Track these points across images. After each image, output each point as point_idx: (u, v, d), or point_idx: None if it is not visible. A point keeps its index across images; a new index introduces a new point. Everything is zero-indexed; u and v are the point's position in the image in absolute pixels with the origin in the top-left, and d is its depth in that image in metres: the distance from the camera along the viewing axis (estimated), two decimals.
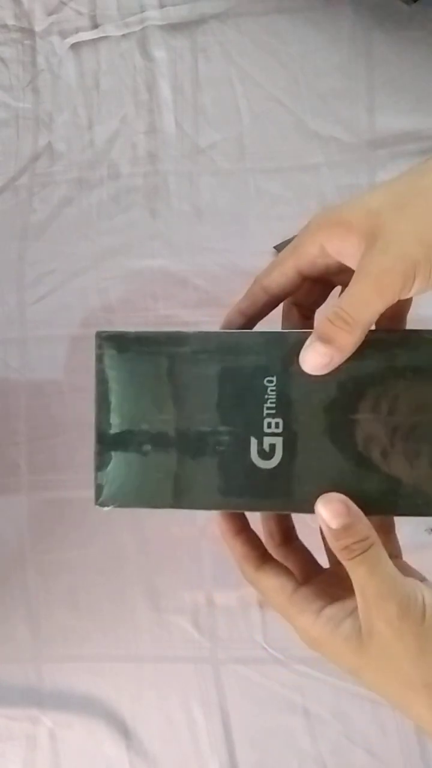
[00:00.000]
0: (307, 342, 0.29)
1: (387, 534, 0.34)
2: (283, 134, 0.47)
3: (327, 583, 0.32)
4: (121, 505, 0.30)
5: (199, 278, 0.47)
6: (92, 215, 0.48)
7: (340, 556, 0.29)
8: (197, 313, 0.47)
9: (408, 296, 0.29)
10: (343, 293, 0.29)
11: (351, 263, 0.30)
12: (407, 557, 0.34)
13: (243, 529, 0.32)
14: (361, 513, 0.29)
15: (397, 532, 0.35)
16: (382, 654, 0.29)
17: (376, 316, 0.29)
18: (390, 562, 0.29)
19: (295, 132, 0.46)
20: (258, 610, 0.47)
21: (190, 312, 0.47)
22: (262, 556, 0.32)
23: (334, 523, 0.29)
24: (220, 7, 0.47)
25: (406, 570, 0.32)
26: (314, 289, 0.35)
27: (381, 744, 0.45)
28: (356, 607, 0.29)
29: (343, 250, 0.30)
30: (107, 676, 0.47)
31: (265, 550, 0.32)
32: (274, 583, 0.31)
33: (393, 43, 0.46)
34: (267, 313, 0.34)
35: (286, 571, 0.32)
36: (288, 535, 0.33)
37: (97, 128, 0.48)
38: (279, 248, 0.46)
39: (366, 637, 0.29)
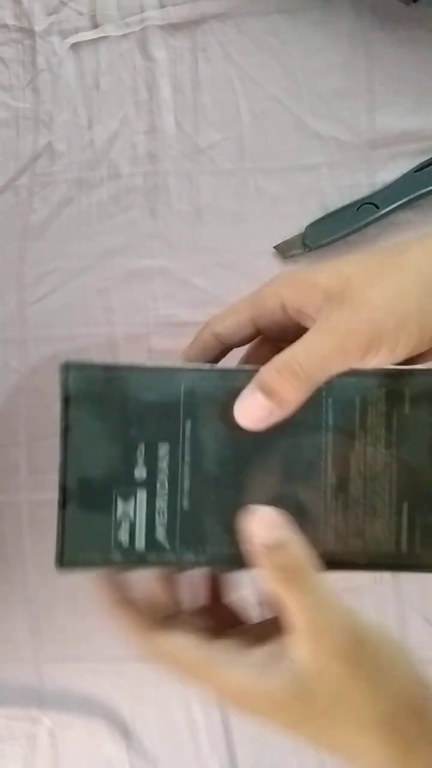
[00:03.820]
0: (246, 390, 0.27)
1: None
2: (283, 134, 0.47)
3: (246, 630, 0.28)
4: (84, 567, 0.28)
5: (199, 278, 0.47)
6: (92, 215, 0.48)
7: (274, 581, 0.25)
8: (197, 313, 0.47)
9: (363, 365, 0.27)
10: (297, 343, 0.27)
11: (309, 324, 0.28)
12: None
13: (131, 600, 0.29)
14: (296, 530, 0.26)
15: None
16: (332, 696, 0.25)
17: (326, 377, 0.26)
18: (330, 588, 0.25)
19: (295, 132, 0.46)
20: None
21: (190, 312, 0.47)
22: (160, 620, 0.28)
23: (268, 538, 0.25)
24: (220, 7, 0.47)
25: None
26: (263, 348, 0.32)
27: None
28: (291, 647, 0.25)
29: (305, 308, 0.28)
30: (107, 676, 0.47)
31: (160, 611, 0.29)
32: (181, 641, 0.27)
33: (393, 43, 0.45)
34: (217, 361, 0.32)
35: (193, 626, 0.28)
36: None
37: (97, 128, 0.48)
38: (279, 248, 0.46)
39: (310, 679, 0.25)
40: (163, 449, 0.28)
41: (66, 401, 0.28)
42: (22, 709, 0.48)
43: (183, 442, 0.28)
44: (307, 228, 0.45)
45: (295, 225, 0.46)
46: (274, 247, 0.46)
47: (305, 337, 0.27)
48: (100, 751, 0.47)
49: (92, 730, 0.47)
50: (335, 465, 0.28)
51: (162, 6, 0.48)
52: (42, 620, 0.48)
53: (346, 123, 0.46)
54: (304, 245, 0.45)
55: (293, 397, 0.26)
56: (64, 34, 0.48)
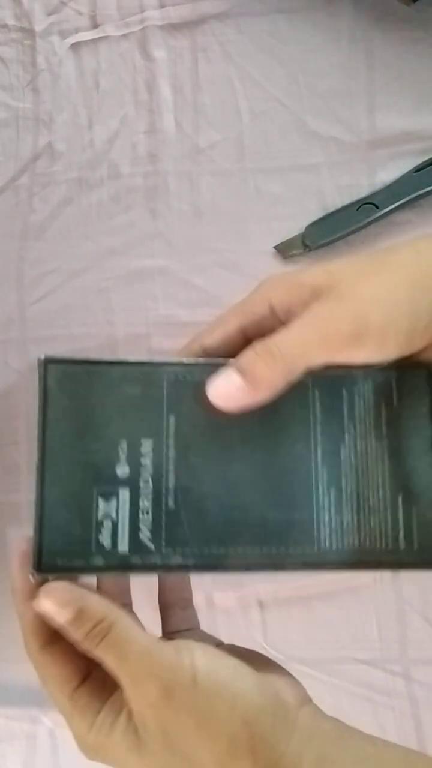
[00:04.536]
0: (222, 369, 0.26)
1: (184, 609, 0.31)
2: (283, 134, 0.47)
3: (101, 677, 0.26)
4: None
5: (199, 278, 0.47)
6: (92, 215, 0.48)
7: (84, 648, 0.25)
8: (197, 313, 0.47)
9: (350, 361, 0.26)
10: (279, 330, 0.26)
11: None
12: None
13: None
14: (88, 592, 0.25)
15: None
16: (162, 743, 0.24)
17: (306, 365, 0.26)
18: (144, 636, 0.25)
19: (295, 132, 0.46)
20: (258, 611, 0.47)
21: (190, 312, 0.47)
22: (52, 634, 0.26)
23: (63, 615, 0.24)
24: (220, 7, 0.47)
25: (202, 639, 0.28)
26: None
27: None
28: (124, 701, 0.25)
29: (294, 307, 0.27)
30: None
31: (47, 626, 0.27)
32: (55, 673, 0.26)
33: (393, 43, 0.45)
34: None
35: (74, 656, 0.26)
36: None
37: (97, 128, 0.48)
38: (279, 248, 0.46)
39: (139, 729, 0.24)
40: (147, 445, 0.27)
41: (44, 397, 0.27)
42: (22, 709, 0.48)
43: (167, 438, 0.27)
44: (307, 228, 0.45)
45: (295, 225, 0.46)
46: (274, 247, 0.46)
47: (288, 325, 0.26)
48: None
49: None
50: (325, 457, 0.27)
51: (162, 6, 0.48)
52: None
53: (346, 123, 0.46)
54: (304, 245, 0.45)
55: (268, 377, 0.25)
56: (64, 34, 0.48)
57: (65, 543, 0.26)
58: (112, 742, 0.25)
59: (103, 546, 0.26)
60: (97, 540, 0.26)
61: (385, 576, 0.44)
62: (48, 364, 0.27)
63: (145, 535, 0.26)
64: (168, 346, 0.47)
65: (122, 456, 0.26)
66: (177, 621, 0.29)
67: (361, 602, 0.45)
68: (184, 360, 0.28)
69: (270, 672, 0.27)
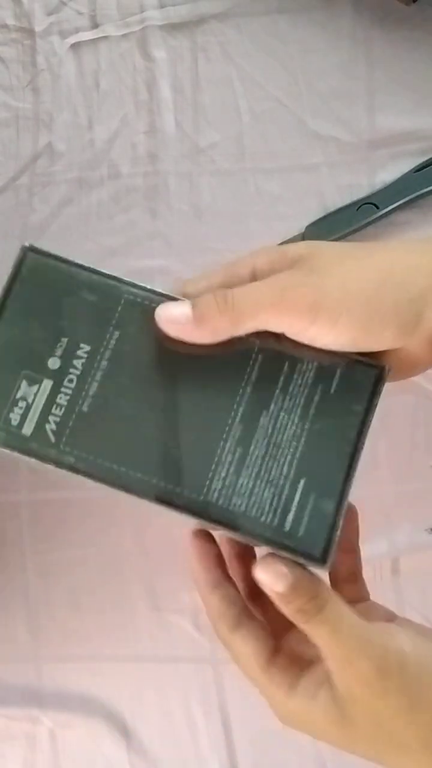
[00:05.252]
0: (179, 297, 0.28)
1: (354, 582, 0.31)
2: (283, 134, 0.47)
3: (299, 640, 0.28)
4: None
5: None
6: (92, 215, 0.48)
7: (296, 621, 0.26)
8: None
9: (299, 335, 0.27)
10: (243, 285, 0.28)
11: None
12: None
13: (221, 582, 0.29)
14: (304, 570, 0.26)
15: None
16: (368, 720, 0.25)
17: (254, 324, 0.27)
18: (353, 615, 0.26)
19: (295, 132, 0.46)
20: None
21: None
22: (238, 615, 0.28)
23: (279, 586, 0.25)
24: (220, 7, 0.47)
25: (374, 612, 0.29)
26: None
27: None
28: (328, 675, 0.26)
29: (273, 273, 0.28)
30: (107, 676, 0.47)
31: (244, 606, 0.29)
32: (246, 651, 0.28)
33: (393, 43, 0.46)
34: None
35: (263, 632, 0.28)
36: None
37: (97, 128, 0.48)
38: None
39: (346, 704, 0.25)
40: (83, 350, 0.28)
41: (13, 279, 0.28)
42: (22, 709, 0.48)
43: (104, 349, 0.28)
44: (307, 228, 0.45)
45: (295, 225, 0.46)
46: None
47: (252, 283, 0.27)
48: (100, 751, 0.47)
49: (92, 730, 0.47)
50: (244, 417, 0.28)
51: (162, 6, 0.48)
52: (42, 620, 0.48)
53: (346, 123, 0.46)
54: None
55: (215, 321, 0.26)
56: (64, 34, 0.48)
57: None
58: (313, 711, 0.26)
59: (10, 422, 0.27)
60: (7, 416, 0.27)
61: (385, 576, 0.44)
62: (28, 251, 0.29)
63: (50, 427, 0.27)
64: None
65: (58, 351, 0.28)
66: (350, 594, 0.30)
67: None
68: (148, 286, 0.29)
69: None
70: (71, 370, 0.28)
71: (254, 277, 0.29)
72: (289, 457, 0.27)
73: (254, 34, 0.47)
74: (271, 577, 0.26)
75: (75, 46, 0.48)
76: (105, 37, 0.48)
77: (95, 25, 0.48)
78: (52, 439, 0.27)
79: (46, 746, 0.48)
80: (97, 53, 0.48)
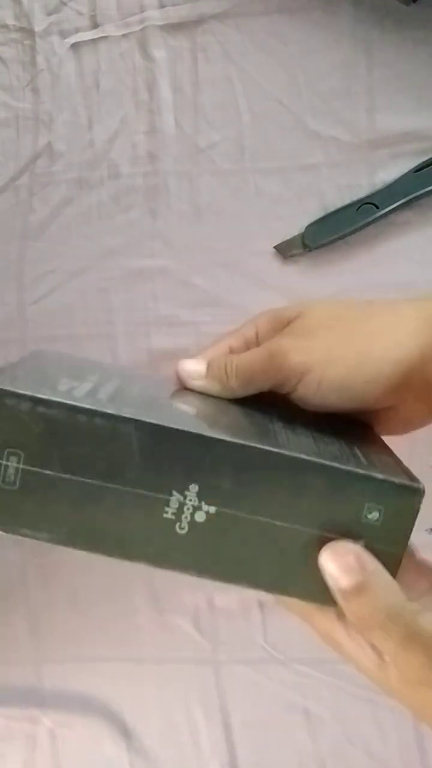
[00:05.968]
0: (200, 356, 0.32)
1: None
2: (283, 134, 0.47)
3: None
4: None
5: (199, 278, 0.47)
6: (92, 215, 0.48)
7: (354, 625, 0.24)
8: (197, 313, 0.47)
9: (288, 388, 0.29)
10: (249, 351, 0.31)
11: None
12: (407, 558, 0.33)
13: None
14: (381, 569, 0.24)
15: None
16: None
17: (255, 387, 0.29)
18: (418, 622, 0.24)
19: (295, 132, 0.46)
20: (258, 612, 0.47)
21: (190, 312, 0.47)
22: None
23: (344, 581, 0.23)
24: (220, 7, 0.47)
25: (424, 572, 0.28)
26: None
27: (380, 744, 0.45)
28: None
29: (272, 336, 0.31)
30: (107, 676, 0.47)
31: None
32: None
33: (393, 43, 0.45)
34: None
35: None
36: None
37: (97, 128, 0.48)
38: (279, 248, 0.46)
39: None
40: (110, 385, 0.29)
41: None
42: (22, 709, 0.48)
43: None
44: (307, 228, 0.45)
45: (295, 225, 0.46)
46: (274, 247, 0.46)
47: (251, 350, 0.31)
48: (100, 751, 0.47)
49: (92, 730, 0.47)
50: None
51: (162, 6, 0.48)
52: (42, 620, 0.48)
53: (346, 123, 0.46)
54: (304, 245, 0.45)
55: (224, 383, 0.30)
56: (64, 34, 0.48)
57: None
58: None
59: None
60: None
61: None
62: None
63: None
64: (168, 346, 0.47)
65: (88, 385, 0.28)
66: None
67: None
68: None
69: None
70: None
71: (258, 341, 0.32)
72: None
73: (254, 34, 0.47)
74: (340, 569, 0.23)
75: (75, 46, 0.48)
76: (105, 37, 0.48)
77: (95, 25, 0.48)
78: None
79: (46, 746, 0.48)
80: (97, 53, 0.48)
